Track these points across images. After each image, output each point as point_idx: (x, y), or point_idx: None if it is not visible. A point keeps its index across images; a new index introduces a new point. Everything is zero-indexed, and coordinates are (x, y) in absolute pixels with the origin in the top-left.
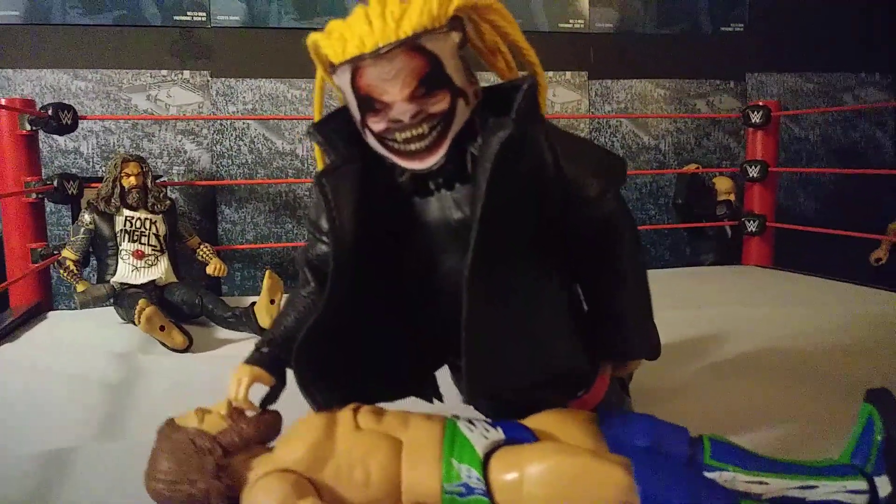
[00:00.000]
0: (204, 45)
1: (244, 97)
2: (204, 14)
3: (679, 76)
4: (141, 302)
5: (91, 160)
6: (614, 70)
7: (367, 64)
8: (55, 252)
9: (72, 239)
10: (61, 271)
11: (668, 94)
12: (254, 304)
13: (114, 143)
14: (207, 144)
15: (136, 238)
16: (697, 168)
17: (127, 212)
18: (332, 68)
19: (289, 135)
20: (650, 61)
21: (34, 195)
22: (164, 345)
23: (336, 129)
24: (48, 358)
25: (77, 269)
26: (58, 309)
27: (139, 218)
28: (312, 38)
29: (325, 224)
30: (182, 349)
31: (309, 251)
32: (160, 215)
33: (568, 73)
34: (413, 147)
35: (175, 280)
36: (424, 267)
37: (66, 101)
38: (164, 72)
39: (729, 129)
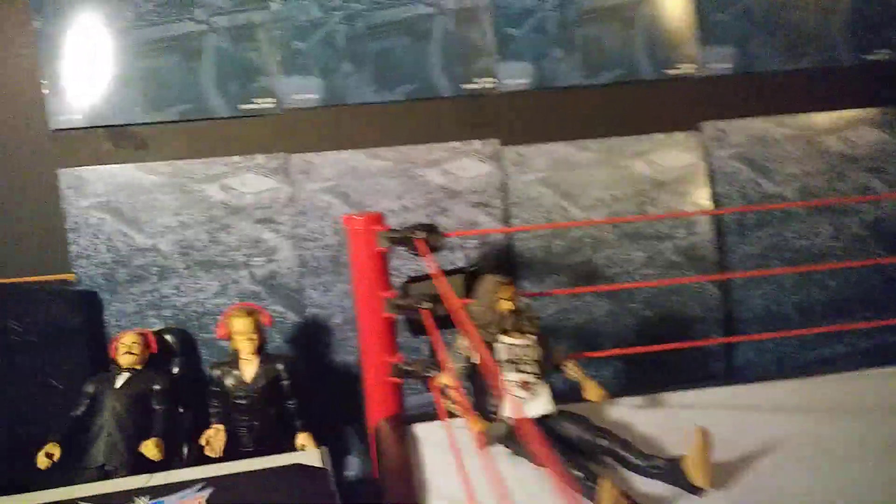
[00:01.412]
0: (493, 111)
1: (536, 163)
2: (492, 80)
3: None
4: (607, 484)
5: None
6: None
7: None
8: (423, 371)
9: (451, 365)
10: (449, 403)
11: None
12: (682, 457)
13: (410, 219)
14: (501, 216)
15: (518, 366)
16: None
17: (506, 338)
18: None
19: (582, 199)
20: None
21: (392, 311)
22: None
23: None
24: None
25: (466, 401)
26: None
27: (517, 344)
28: None
29: None
30: None
31: None
32: (534, 337)
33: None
34: None
35: (555, 409)
36: None
37: (363, 181)
38: (455, 143)
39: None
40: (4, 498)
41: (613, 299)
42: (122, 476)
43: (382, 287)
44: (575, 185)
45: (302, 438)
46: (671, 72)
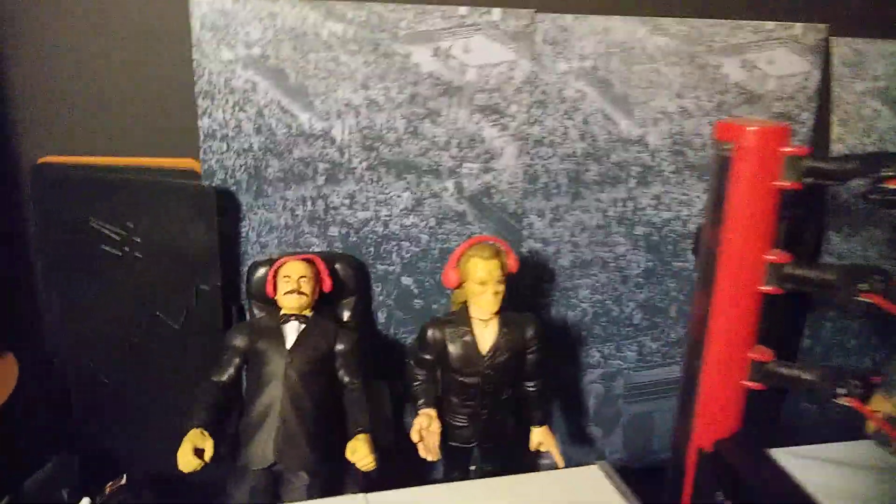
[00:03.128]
0: None
1: (875, 66)
2: None
3: None
4: None
5: None
6: None
7: None
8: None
9: None
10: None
11: None
12: None
13: (686, 127)
14: (808, 137)
15: None
16: None
17: None
18: None
19: None
20: None
21: (782, 284)
22: None
23: None
24: None
25: None
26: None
27: None
28: None
29: None
30: None
31: None
32: None
33: None
34: None
35: None
36: None
37: (634, 66)
38: (769, 24)
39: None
40: None
41: None
42: (303, 484)
43: (767, 244)
44: None
45: (540, 435)
46: None
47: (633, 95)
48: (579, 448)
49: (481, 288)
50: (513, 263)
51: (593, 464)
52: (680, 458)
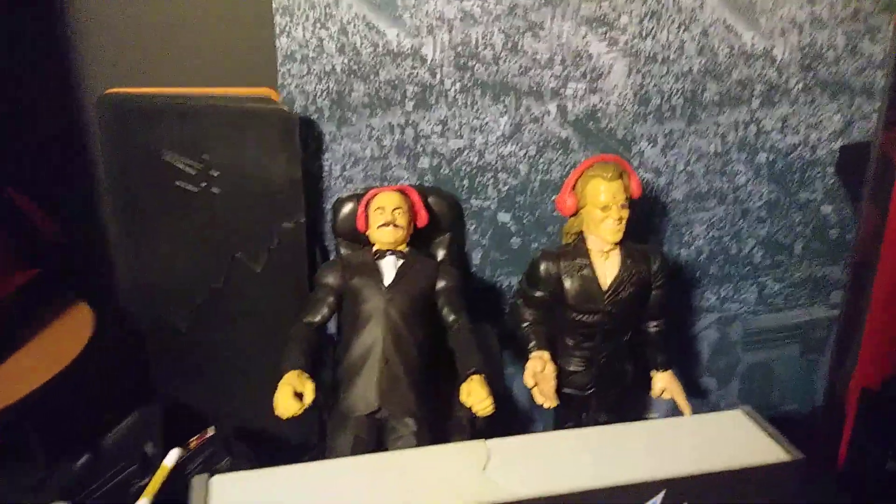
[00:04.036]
0: None
1: None
2: None
3: None
4: None
5: None
6: None
7: None
8: None
9: None
10: None
11: None
12: None
13: (819, 41)
14: None
15: None
16: None
17: None
18: None
19: None
20: None
21: None
22: None
23: None
24: None
25: None
26: None
27: None
28: None
29: None
30: None
31: None
32: None
33: None
34: None
35: None
36: None
37: None
38: None
39: None
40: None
41: None
42: (410, 431)
43: None
44: None
45: (664, 380)
46: None
47: (759, 2)
48: (691, 400)
49: (603, 213)
50: (636, 187)
51: (736, 408)
52: (838, 399)
